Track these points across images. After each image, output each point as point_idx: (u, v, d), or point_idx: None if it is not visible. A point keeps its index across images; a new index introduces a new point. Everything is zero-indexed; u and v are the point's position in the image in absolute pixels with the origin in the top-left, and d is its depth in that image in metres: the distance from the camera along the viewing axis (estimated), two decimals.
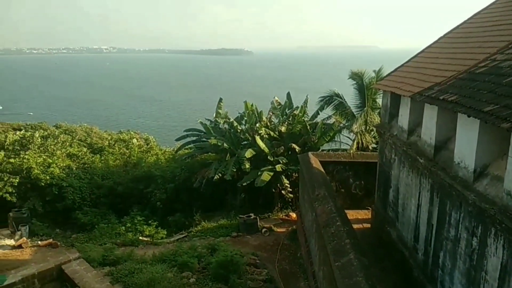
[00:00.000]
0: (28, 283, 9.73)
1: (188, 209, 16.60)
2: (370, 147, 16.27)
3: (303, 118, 16.97)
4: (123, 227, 14.89)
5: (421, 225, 7.80)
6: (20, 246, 12.14)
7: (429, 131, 7.41)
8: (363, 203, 12.59)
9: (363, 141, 16.00)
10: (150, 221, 15.30)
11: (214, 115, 19.11)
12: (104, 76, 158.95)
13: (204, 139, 18.09)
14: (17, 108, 77.01)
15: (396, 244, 9.29)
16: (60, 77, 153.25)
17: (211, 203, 16.86)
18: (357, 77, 17.12)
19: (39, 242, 12.60)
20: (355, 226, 9.09)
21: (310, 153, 12.43)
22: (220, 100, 19.55)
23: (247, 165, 15.07)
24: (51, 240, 12.84)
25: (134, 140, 23.57)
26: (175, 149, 20.74)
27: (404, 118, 8.88)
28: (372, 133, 16.39)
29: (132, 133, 27.61)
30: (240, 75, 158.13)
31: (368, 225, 11.67)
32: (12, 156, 16.78)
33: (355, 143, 16.04)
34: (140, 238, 14.10)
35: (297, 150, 15.34)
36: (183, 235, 14.41)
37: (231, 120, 18.06)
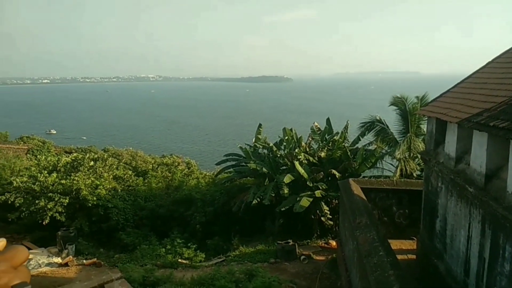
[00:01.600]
0: None
1: (227, 233, 16.63)
2: (414, 174, 15.68)
3: (343, 143, 16.74)
4: (163, 249, 15.12)
5: (472, 259, 7.32)
6: (66, 264, 12.64)
7: (478, 159, 7.06)
8: (408, 233, 12.05)
9: (407, 168, 15.45)
10: (189, 244, 15.45)
11: (253, 140, 19.34)
12: (148, 103, 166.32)
13: (243, 164, 18.29)
14: (71, 132, 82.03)
15: (444, 277, 8.73)
16: (110, 104, 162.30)
17: (249, 227, 16.82)
18: (399, 102, 16.76)
19: (84, 261, 13.07)
20: (399, 257, 8.69)
21: (351, 180, 12.18)
22: (260, 125, 19.80)
23: (286, 190, 14.99)
24: (95, 259, 13.28)
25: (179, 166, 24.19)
26: (215, 173, 21.07)
27: (451, 145, 8.53)
28: (417, 160, 15.82)
29: (174, 157, 28.43)
30: (279, 101, 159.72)
31: (413, 256, 11.11)
32: (64, 177, 17.72)
33: (398, 170, 15.52)
34: (179, 260, 14.24)
35: (337, 176, 15.08)
36: (221, 259, 14.40)
37: (270, 145, 18.18)
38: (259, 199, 15.25)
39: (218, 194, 18.17)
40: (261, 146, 18.63)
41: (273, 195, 15.24)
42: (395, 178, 14.29)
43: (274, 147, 17.93)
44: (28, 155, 30.87)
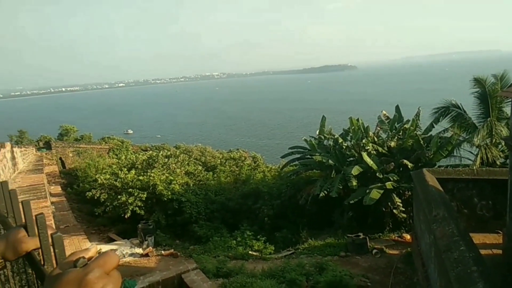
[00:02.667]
0: None
1: (294, 225, 16.68)
2: (498, 162, 14.31)
3: (415, 132, 15.82)
4: (234, 241, 15.62)
5: None
6: (147, 255, 13.58)
7: None
8: (491, 226, 11.06)
9: (489, 156, 14.15)
10: (258, 236, 15.77)
11: (317, 132, 19.07)
12: (213, 100, 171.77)
13: (308, 156, 18.14)
14: (146, 131, 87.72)
15: None
16: (180, 103, 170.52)
17: (317, 220, 16.69)
18: (478, 84, 15.36)
19: (163, 252, 13.95)
20: (482, 251, 8.03)
21: (425, 170, 11.47)
22: (323, 117, 19.45)
23: (354, 183, 14.58)
24: (172, 250, 14.11)
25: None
26: (281, 166, 21.18)
27: None
28: (500, 146, 14.42)
29: (241, 151, 29.13)
30: (342, 91, 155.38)
31: (499, 251, 10.19)
32: (141, 174, 19.06)
33: (478, 158, 14.26)
34: (250, 252, 14.61)
35: (409, 167, 14.30)
36: (290, 252, 14.48)
37: (335, 137, 17.78)
38: (326, 192, 15.03)
39: (284, 187, 18.27)
40: (326, 138, 18.31)
41: (341, 187, 14.92)
42: (475, 167, 13.17)
43: (339, 138, 17.51)
44: (110, 154, 33.65)
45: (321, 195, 15.05)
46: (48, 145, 34.11)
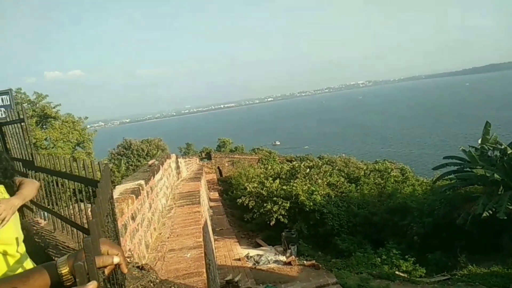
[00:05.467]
0: None
1: (449, 247, 14.74)
2: None
3: None
4: (379, 259, 14.75)
5: None
6: (289, 263, 13.98)
7: None
8: None
9: None
10: (406, 256, 14.51)
11: (479, 141, 16.57)
12: (355, 110, 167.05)
13: (467, 169, 15.90)
14: (292, 142, 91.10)
15: None
16: (323, 114, 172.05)
17: (478, 244, 14.39)
18: None
19: (305, 262, 14.16)
20: None
21: None
22: (488, 123, 16.80)
23: None
24: (314, 261, 14.19)
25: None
26: (433, 180, 19.14)
27: None
28: None
29: (387, 163, 27.50)
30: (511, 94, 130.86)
31: None
32: (285, 183, 19.87)
33: None
34: (397, 273, 13.57)
35: None
36: (445, 277, 12.86)
37: (503, 146, 15.12)
38: (491, 212, 12.90)
39: (437, 204, 16.39)
40: (490, 148, 15.75)
41: (511, 207, 12.58)
42: None
43: (509, 148, 14.82)
44: (259, 164, 36.14)
45: (484, 215, 12.99)
46: (208, 156, 38.71)
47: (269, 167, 26.15)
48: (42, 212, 4.40)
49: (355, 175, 24.17)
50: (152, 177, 5.66)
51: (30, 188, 2.31)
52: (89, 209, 2.31)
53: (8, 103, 4.94)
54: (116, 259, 1.00)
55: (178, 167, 11.52)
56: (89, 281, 0.80)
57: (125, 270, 1.07)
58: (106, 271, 1.01)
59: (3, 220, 2.03)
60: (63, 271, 0.95)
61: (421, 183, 21.63)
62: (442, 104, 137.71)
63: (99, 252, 0.95)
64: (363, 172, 24.58)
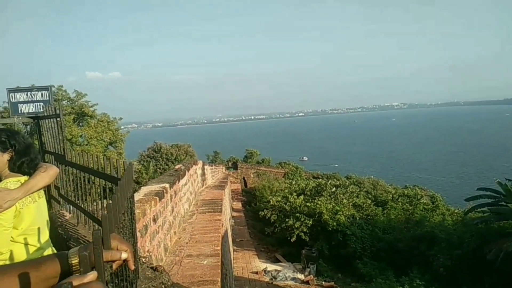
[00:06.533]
0: None
1: (478, 283, 13.96)
2: None
3: None
4: (401, 287, 14.18)
5: None
6: (307, 282, 13.72)
7: None
8: None
9: None
10: None
11: None
12: (388, 131, 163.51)
13: (502, 203, 15.12)
14: (320, 159, 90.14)
15: None
16: (356, 133, 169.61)
17: (509, 282, 13.55)
18: None
19: (323, 283, 13.85)
20: None
21: None
22: None
23: None
24: (333, 283, 13.85)
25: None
26: (465, 211, 18.31)
27: None
28: None
29: (417, 189, 26.64)
30: None
31: None
32: (309, 200, 19.60)
33: None
34: None
35: None
36: None
37: None
38: None
39: (467, 236, 15.60)
40: None
41: None
42: None
43: None
44: (284, 178, 35.94)
45: None
46: (235, 165, 38.96)
47: (294, 182, 25.92)
48: (68, 205, 4.54)
49: (383, 198, 23.55)
50: (177, 182, 5.73)
51: (38, 178, 2.34)
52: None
53: (47, 98, 5.18)
54: (124, 255, 1.00)
55: (203, 174, 11.63)
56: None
57: (132, 267, 1.07)
58: (114, 265, 1.01)
59: None
60: (73, 262, 0.97)
61: (452, 213, 20.77)
62: (480, 133, 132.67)
63: (108, 246, 0.96)
64: (391, 196, 23.93)
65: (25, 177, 2.31)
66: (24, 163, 2.30)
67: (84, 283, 0.77)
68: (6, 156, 2.25)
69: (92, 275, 0.80)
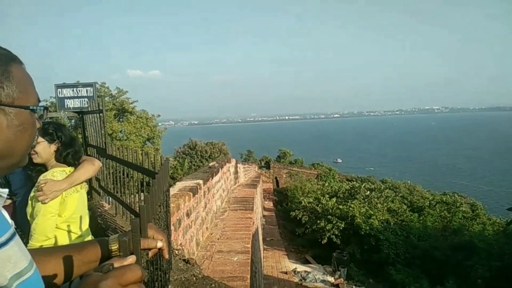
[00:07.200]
0: None
1: None
2: None
3: None
4: None
5: None
6: (337, 286, 13.53)
7: None
8: None
9: None
10: None
11: None
12: (428, 136, 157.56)
13: None
14: (355, 162, 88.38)
15: None
16: (395, 137, 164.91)
17: None
18: None
19: (354, 287, 13.63)
20: None
21: None
22: None
23: None
24: None
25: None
26: (508, 221, 17.37)
27: None
28: None
29: (456, 196, 25.54)
30: None
31: None
32: (342, 203, 19.30)
33: None
34: None
35: None
36: None
37: None
38: None
39: (509, 248, 14.82)
40: None
41: None
42: None
43: None
44: (317, 179, 35.57)
45: None
46: (267, 165, 38.99)
47: (327, 184, 25.61)
48: (107, 197, 4.76)
49: (419, 204, 22.78)
50: (210, 178, 5.85)
51: (82, 171, 2.49)
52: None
53: (91, 94, 5.45)
54: (159, 244, 1.06)
55: (236, 172, 11.76)
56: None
57: (166, 256, 1.13)
58: (150, 254, 1.08)
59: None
60: (113, 247, 1.04)
61: (493, 223, 19.76)
62: None
63: (145, 235, 1.03)
64: (428, 202, 23.09)
65: (70, 168, 2.47)
66: (69, 154, 2.46)
67: (124, 265, 0.83)
68: (53, 147, 2.42)
69: (131, 259, 0.85)
